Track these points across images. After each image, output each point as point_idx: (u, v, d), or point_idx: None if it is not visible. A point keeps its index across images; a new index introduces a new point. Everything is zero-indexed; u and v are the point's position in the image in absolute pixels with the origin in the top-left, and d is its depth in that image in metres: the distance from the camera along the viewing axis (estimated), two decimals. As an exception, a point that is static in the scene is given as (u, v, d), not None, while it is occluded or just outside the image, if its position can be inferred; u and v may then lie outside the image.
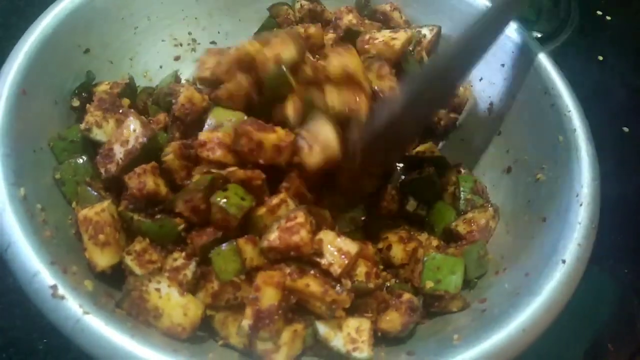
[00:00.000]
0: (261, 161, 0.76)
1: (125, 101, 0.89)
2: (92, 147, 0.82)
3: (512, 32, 0.96)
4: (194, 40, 1.08)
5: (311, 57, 0.87)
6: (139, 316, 0.67)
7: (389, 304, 0.77)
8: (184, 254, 0.74)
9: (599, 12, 1.57)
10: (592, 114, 0.89)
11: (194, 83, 0.94)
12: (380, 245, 0.88)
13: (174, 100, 0.88)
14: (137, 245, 0.74)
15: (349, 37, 0.93)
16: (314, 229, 0.75)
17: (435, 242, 0.86)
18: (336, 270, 0.72)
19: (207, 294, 0.72)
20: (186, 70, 1.04)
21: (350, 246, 0.75)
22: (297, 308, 0.73)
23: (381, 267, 0.86)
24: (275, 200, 0.76)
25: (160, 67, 1.02)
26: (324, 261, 0.73)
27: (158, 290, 0.69)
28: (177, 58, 1.02)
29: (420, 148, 1.00)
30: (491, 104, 1.00)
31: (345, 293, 0.71)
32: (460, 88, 1.03)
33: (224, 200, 0.72)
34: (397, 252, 0.86)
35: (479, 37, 0.83)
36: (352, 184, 0.85)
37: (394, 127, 0.77)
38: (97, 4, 0.91)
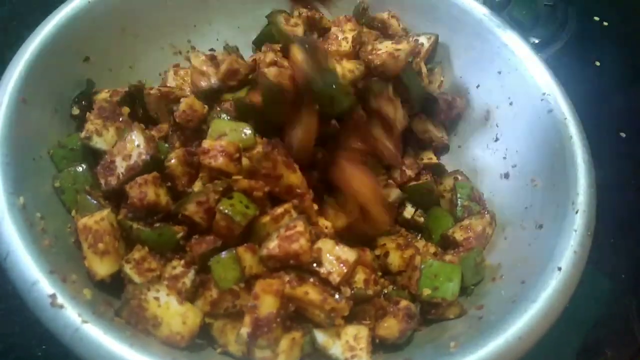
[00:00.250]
0: (267, 189, 0.77)
1: (125, 109, 0.89)
2: (92, 156, 0.82)
3: (508, 39, 0.97)
4: (193, 47, 1.08)
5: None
6: (137, 325, 0.68)
7: (386, 311, 0.77)
8: (183, 262, 0.74)
9: (596, 18, 1.57)
10: (589, 120, 0.89)
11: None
12: (378, 252, 0.88)
13: (175, 107, 0.88)
14: (136, 254, 0.74)
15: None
16: (313, 238, 0.76)
17: (432, 249, 0.87)
18: (335, 279, 0.73)
19: (205, 302, 0.73)
20: (186, 77, 1.04)
21: (349, 254, 0.75)
22: (295, 316, 0.73)
23: (379, 274, 0.86)
24: (279, 210, 0.76)
25: (159, 74, 1.03)
26: (323, 270, 0.73)
27: (157, 298, 0.69)
28: (176, 65, 1.02)
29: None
30: (488, 111, 1.01)
31: (344, 301, 0.71)
32: (457, 97, 1.04)
33: (230, 207, 0.73)
34: (395, 259, 0.87)
35: None
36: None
37: None
38: (97, 12, 0.92)
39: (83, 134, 0.81)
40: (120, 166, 0.77)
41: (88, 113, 0.84)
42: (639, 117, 1.39)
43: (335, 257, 0.74)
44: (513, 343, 0.66)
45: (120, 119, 0.84)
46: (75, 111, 0.88)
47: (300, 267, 0.73)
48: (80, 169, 0.81)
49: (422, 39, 1.06)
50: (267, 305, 0.69)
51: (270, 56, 0.93)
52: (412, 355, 0.72)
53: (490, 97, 1.00)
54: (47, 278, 0.64)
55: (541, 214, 0.83)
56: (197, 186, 0.78)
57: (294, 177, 0.78)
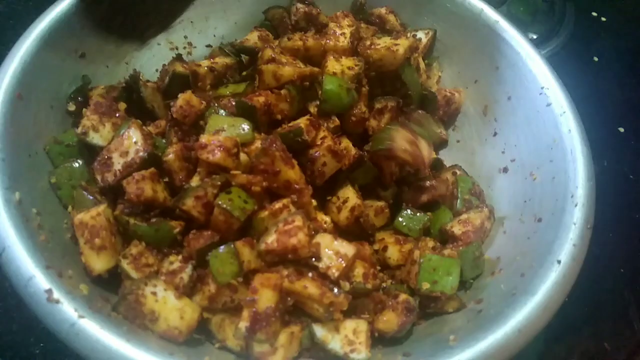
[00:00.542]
0: (265, 183, 0.77)
1: (122, 105, 0.89)
2: (88, 151, 0.82)
3: (506, 34, 0.97)
4: (189, 43, 1.08)
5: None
6: (135, 320, 0.67)
7: (385, 305, 0.77)
8: (180, 257, 0.74)
9: (594, 14, 1.57)
10: (587, 115, 0.89)
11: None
12: (377, 247, 0.88)
13: (172, 103, 0.88)
14: (133, 249, 0.74)
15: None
16: (312, 233, 0.75)
17: (431, 244, 0.87)
18: (334, 273, 0.73)
19: (203, 296, 0.72)
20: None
21: (348, 248, 0.75)
22: (293, 310, 0.73)
23: (378, 268, 0.86)
24: (278, 205, 0.76)
25: (156, 70, 1.02)
26: (321, 264, 0.73)
27: (154, 293, 0.69)
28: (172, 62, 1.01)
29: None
30: (486, 105, 1.00)
31: (342, 296, 0.71)
32: (455, 92, 1.03)
33: (228, 202, 0.73)
34: (393, 254, 0.87)
35: None
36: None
37: None
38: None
39: (79, 130, 0.81)
40: (117, 162, 0.77)
41: (84, 109, 0.84)
42: (638, 112, 1.40)
43: (334, 252, 0.74)
44: (512, 336, 0.66)
45: (117, 115, 0.83)
46: (72, 107, 0.87)
47: (299, 261, 0.73)
48: (76, 164, 0.80)
49: (420, 34, 1.05)
50: (266, 299, 0.68)
51: (268, 53, 0.93)
52: (411, 349, 0.71)
53: (489, 91, 1.00)
54: (43, 273, 0.64)
55: (540, 207, 0.82)
56: (194, 181, 0.78)
57: (292, 173, 0.78)
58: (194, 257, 0.73)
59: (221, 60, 0.99)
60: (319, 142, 0.84)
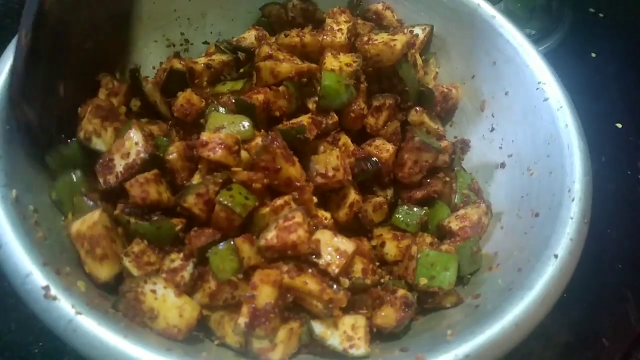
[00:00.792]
0: (266, 180, 0.77)
1: (122, 109, 0.89)
2: (87, 156, 0.81)
3: (503, 29, 0.97)
4: (186, 40, 1.08)
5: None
6: (134, 318, 0.67)
7: (383, 300, 0.77)
8: (182, 255, 0.74)
9: (592, 10, 1.58)
10: (585, 111, 0.89)
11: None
12: (374, 243, 0.88)
13: (172, 102, 0.88)
14: (135, 247, 0.73)
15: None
16: (312, 229, 0.75)
17: (428, 239, 0.87)
18: (334, 270, 0.73)
19: (204, 294, 0.72)
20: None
21: (347, 245, 0.75)
22: (292, 306, 0.73)
23: (377, 263, 0.86)
24: (279, 202, 0.76)
25: (153, 67, 1.02)
26: (321, 261, 0.73)
27: (154, 291, 0.69)
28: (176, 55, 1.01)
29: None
30: (483, 101, 1.00)
31: (342, 292, 0.71)
32: (452, 88, 1.03)
33: (229, 199, 0.72)
34: (391, 249, 0.87)
35: None
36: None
37: None
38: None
39: (82, 135, 0.79)
40: (119, 164, 0.77)
41: (80, 109, 0.83)
42: (635, 108, 1.40)
43: (334, 248, 0.74)
44: (510, 330, 0.66)
45: (120, 118, 0.83)
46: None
47: (299, 257, 0.73)
48: (74, 176, 0.79)
49: (417, 30, 1.05)
50: (265, 295, 0.68)
51: (265, 50, 0.93)
52: (408, 344, 0.71)
53: (486, 87, 1.00)
54: (41, 270, 0.63)
55: (537, 202, 0.82)
56: (196, 179, 0.78)
57: (293, 170, 0.78)
58: (195, 255, 0.73)
59: (218, 58, 0.99)
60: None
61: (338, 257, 0.73)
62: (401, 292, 0.77)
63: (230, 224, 0.74)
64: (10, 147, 0.73)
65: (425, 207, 0.91)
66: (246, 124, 0.82)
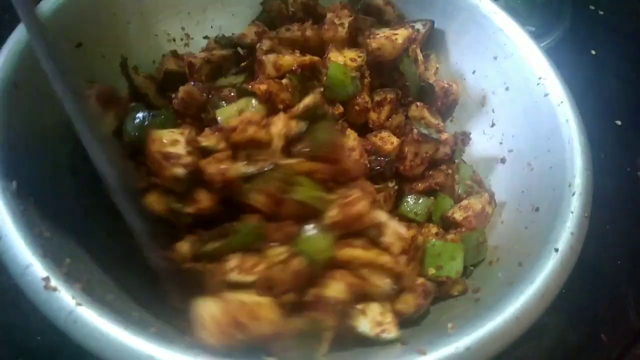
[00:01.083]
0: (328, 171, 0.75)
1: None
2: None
3: (504, 24, 0.97)
4: (187, 35, 1.08)
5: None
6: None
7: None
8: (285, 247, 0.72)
9: (592, 7, 1.58)
10: (585, 108, 0.89)
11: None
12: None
13: (173, 95, 0.88)
14: (233, 262, 0.70)
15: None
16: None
17: (434, 230, 0.87)
18: (396, 249, 0.74)
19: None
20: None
21: (404, 230, 0.76)
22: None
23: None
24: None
25: (153, 62, 1.02)
26: (385, 239, 0.74)
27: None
28: (173, 53, 1.01)
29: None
30: (484, 96, 1.00)
31: (412, 265, 0.73)
32: (453, 84, 1.03)
33: (306, 196, 0.72)
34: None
35: None
36: None
37: None
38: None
39: None
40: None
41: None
42: (635, 105, 1.40)
43: (393, 229, 0.75)
44: (510, 324, 0.66)
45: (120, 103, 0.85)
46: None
47: (363, 232, 0.73)
48: None
49: (418, 26, 1.05)
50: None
51: (267, 44, 0.93)
52: (409, 337, 0.71)
53: (486, 82, 1.00)
54: (41, 261, 0.63)
55: (538, 196, 0.82)
56: (240, 168, 0.74)
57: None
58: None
59: (217, 52, 0.99)
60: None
61: (399, 239, 0.74)
62: (421, 280, 0.77)
63: (307, 215, 0.73)
64: (9, 139, 0.73)
65: (432, 197, 0.92)
66: (254, 101, 0.82)
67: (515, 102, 0.94)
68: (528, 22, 1.46)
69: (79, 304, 0.60)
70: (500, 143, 0.96)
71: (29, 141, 0.77)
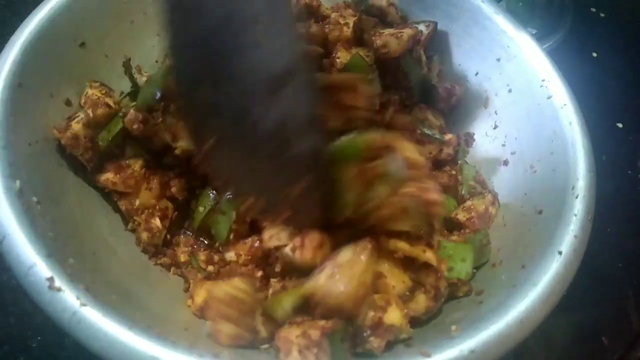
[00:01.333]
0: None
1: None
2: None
3: (507, 26, 0.97)
4: (189, 35, 1.07)
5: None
6: None
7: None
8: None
9: (593, 9, 1.58)
10: (586, 110, 0.89)
11: None
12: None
13: None
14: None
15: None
16: None
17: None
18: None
19: None
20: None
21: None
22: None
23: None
24: None
25: (156, 61, 1.02)
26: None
27: None
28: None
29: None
30: (487, 98, 1.00)
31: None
32: (456, 85, 1.03)
33: None
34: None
35: None
36: None
37: None
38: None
39: None
40: None
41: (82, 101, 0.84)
42: (636, 107, 1.40)
43: None
44: (514, 327, 0.66)
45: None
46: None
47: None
48: None
49: (421, 27, 1.05)
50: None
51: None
52: (412, 339, 0.71)
53: (489, 84, 1.00)
54: (45, 262, 0.63)
55: (541, 199, 0.82)
56: None
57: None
58: None
59: None
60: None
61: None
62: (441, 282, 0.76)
63: None
64: (13, 138, 0.73)
65: None
66: None
67: (518, 104, 0.94)
68: (529, 24, 1.47)
69: (84, 305, 0.60)
70: (503, 145, 0.96)
71: (33, 140, 0.77)
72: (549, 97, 0.88)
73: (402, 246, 0.72)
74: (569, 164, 0.81)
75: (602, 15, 1.57)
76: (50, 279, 0.61)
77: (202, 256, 0.81)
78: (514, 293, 0.70)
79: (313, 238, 0.71)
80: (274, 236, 0.73)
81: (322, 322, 0.65)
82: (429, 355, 0.63)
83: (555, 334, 1.07)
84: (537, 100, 0.90)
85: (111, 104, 0.87)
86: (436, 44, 1.07)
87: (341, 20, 0.96)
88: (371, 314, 0.68)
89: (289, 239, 0.73)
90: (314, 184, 0.69)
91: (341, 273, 0.66)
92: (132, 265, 0.80)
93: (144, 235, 0.82)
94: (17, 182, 0.69)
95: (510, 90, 0.96)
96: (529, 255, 0.76)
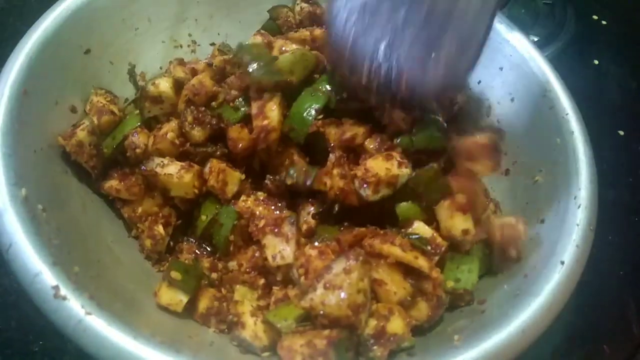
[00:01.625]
0: None
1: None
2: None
3: (510, 35, 0.97)
4: (194, 41, 1.08)
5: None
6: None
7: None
8: None
9: (595, 17, 1.58)
10: (588, 118, 0.90)
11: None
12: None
13: (186, 82, 0.89)
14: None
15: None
16: None
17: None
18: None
19: None
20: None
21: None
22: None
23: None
24: None
25: (161, 68, 1.02)
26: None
27: None
28: (179, 60, 1.01)
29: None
30: (489, 107, 1.01)
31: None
32: (458, 94, 1.04)
33: None
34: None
35: None
36: None
37: None
38: (98, 5, 0.91)
39: None
40: None
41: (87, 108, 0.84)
42: (638, 115, 1.40)
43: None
44: (516, 336, 0.66)
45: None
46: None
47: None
48: None
49: (424, 35, 1.05)
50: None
51: (280, 43, 0.93)
52: (415, 349, 0.71)
53: (492, 93, 1.00)
54: (50, 270, 0.63)
55: (543, 209, 0.83)
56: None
57: None
58: None
59: (220, 57, 0.99)
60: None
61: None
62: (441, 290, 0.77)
63: None
64: (18, 146, 0.73)
65: None
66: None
67: (520, 113, 0.95)
68: (530, 31, 1.47)
69: (89, 313, 0.61)
70: (505, 154, 0.96)
71: (38, 148, 0.77)
72: (551, 107, 0.89)
73: (394, 251, 0.72)
74: (571, 174, 0.81)
75: (604, 23, 1.58)
76: (56, 287, 0.62)
77: (205, 263, 0.81)
78: (516, 302, 0.70)
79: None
80: (277, 255, 0.74)
81: (327, 332, 0.65)
82: (431, 366, 0.63)
83: (555, 342, 1.07)
84: (539, 109, 0.91)
85: (116, 111, 0.88)
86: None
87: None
88: (374, 322, 0.69)
89: (292, 256, 0.73)
90: None
91: (336, 284, 0.67)
92: (136, 273, 0.80)
93: (148, 243, 0.82)
94: (23, 190, 0.69)
95: (512, 99, 0.97)
96: (532, 264, 0.76)
